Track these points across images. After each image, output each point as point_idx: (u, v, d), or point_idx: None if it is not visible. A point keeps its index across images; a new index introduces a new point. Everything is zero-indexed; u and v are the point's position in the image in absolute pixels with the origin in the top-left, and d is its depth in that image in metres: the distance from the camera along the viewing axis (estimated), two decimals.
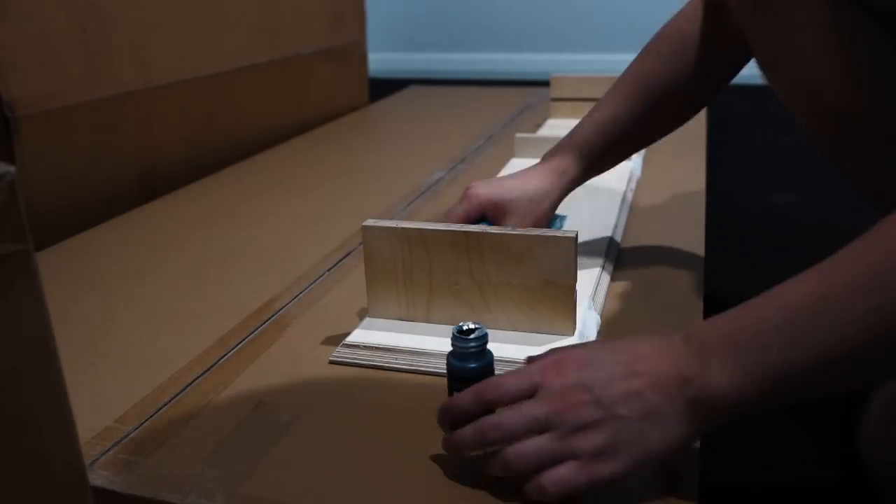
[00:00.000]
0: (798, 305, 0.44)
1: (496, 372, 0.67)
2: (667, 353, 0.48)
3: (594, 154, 0.82)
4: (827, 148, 0.65)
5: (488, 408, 0.51)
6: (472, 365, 0.58)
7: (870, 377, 0.47)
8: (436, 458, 0.57)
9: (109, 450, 0.59)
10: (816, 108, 0.62)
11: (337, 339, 0.74)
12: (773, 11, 0.61)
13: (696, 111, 0.84)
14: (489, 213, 0.81)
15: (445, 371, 0.68)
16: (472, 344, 0.58)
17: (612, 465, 0.47)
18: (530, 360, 0.54)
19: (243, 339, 0.76)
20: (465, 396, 0.52)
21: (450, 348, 0.70)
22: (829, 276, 0.44)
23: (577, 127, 0.84)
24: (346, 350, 0.71)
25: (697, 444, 0.57)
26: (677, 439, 0.47)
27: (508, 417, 0.49)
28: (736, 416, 0.46)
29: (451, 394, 0.59)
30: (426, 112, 1.90)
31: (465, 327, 0.59)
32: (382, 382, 0.67)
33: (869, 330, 0.42)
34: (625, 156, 0.86)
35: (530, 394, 0.50)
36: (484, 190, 0.81)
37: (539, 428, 0.48)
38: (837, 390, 0.45)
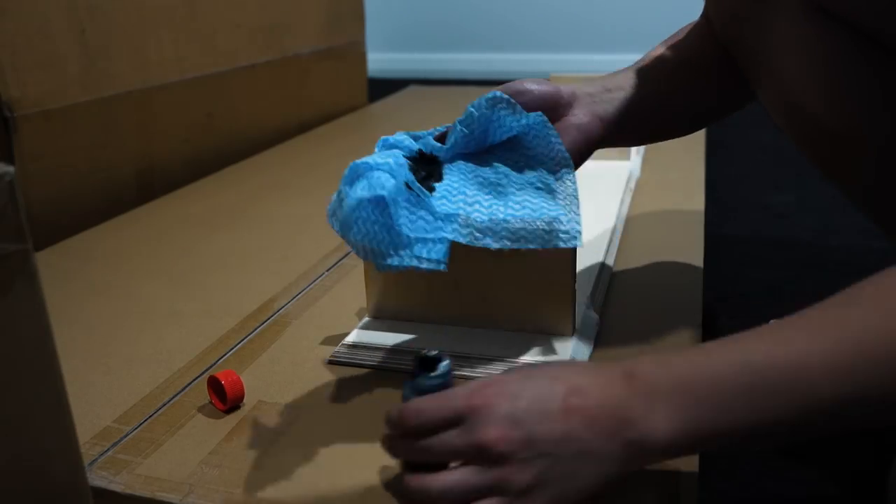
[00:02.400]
0: (769, 374, 0.42)
1: (492, 374, 0.67)
2: (607, 389, 0.45)
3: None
4: (817, 162, 0.65)
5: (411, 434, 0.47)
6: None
7: (814, 435, 0.46)
8: None
9: (108, 450, 0.59)
10: (803, 125, 0.62)
11: (336, 339, 0.74)
12: (754, 29, 0.61)
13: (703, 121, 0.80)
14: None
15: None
16: (437, 381, 0.49)
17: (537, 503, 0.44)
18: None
19: (243, 339, 0.76)
20: (390, 419, 0.48)
21: (448, 348, 0.70)
22: (808, 347, 0.42)
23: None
24: (346, 350, 0.71)
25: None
26: (607, 477, 0.44)
27: (432, 446, 0.46)
28: (665, 459, 0.45)
29: None
30: (425, 112, 1.90)
31: (428, 354, 0.50)
32: (382, 382, 0.67)
33: (834, 415, 0.42)
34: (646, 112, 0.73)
35: (455, 422, 0.46)
36: (536, 86, 0.67)
37: (463, 460, 0.45)
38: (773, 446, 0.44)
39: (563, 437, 0.44)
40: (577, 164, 0.68)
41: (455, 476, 0.45)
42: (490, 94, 0.62)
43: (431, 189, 0.62)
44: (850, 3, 0.54)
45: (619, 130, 0.70)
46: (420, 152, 0.63)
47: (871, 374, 0.40)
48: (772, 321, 0.44)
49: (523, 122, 0.63)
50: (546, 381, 0.46)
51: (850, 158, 0.60)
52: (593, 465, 0.44)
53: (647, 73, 0.73)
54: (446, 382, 0.49)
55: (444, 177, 0.64)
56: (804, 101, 0.59)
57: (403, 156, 0.61)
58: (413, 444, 0.46)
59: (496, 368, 0.67)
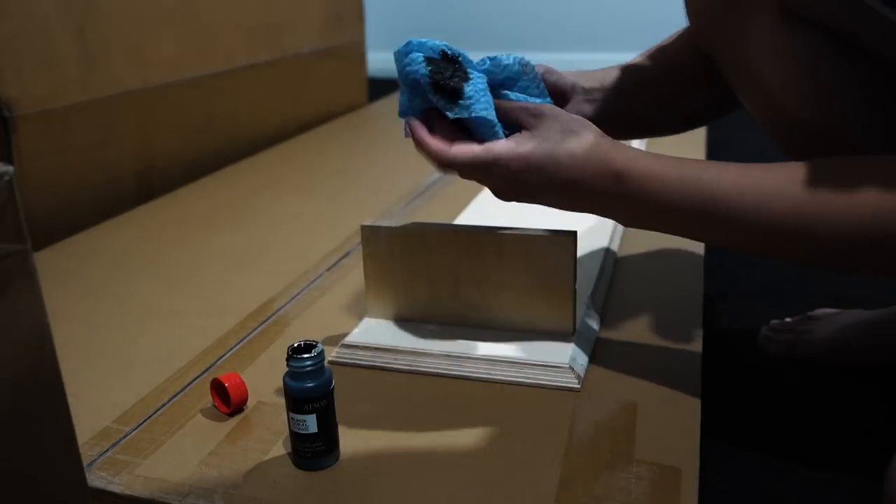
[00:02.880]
0: (717, 196, 0.58)
1: (492, 374, 0.67)
2: (597, 180, 0.59)
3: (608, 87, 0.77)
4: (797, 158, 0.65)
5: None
6: (309, 384, 0.55)
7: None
8: (435, 458, 0.57)
9: (108, 450, 0.59)
10: (787, 128, 0.63)
11: (336, 340, 0.73)
12: (732, 37, 0.62)
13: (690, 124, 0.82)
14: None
15: (442, 372, 0.68)
16: (308, 363, 0.55)
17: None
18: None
19: (243, 339, 0.76)
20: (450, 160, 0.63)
21: (448, 348, 0.70)
22: (749, 188, 0.57)
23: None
24: (345, 350, 0.71)
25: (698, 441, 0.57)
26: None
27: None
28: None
29: (288, 413, 0.56)
30: None
31: (300, 342, 0.56)
32: (381, 382, 0.67)
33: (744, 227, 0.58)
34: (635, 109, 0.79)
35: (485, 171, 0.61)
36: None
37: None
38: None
39: (555, 192, 0.60)
40: None
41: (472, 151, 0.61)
42: (523, 59, 0.66)
43: (459, 90, 0.63)
44: (822, 8, 0.54)
45: (608, 126, 0.73)
46: (443, 52, 0.64)
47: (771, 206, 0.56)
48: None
49: (532, 100, 0.66)
50: (553, 176, 0.59)
51: (826, 152, 0.61)
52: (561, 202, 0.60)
53: (639, 75, 0.76)
54: (320, 366, 0.55)
55: (471, 77, 0.64)
56: (786, 104, 0.60)
57: (425, 56, 0.63)
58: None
59: (496, 368, 0.67)
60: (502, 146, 0.60)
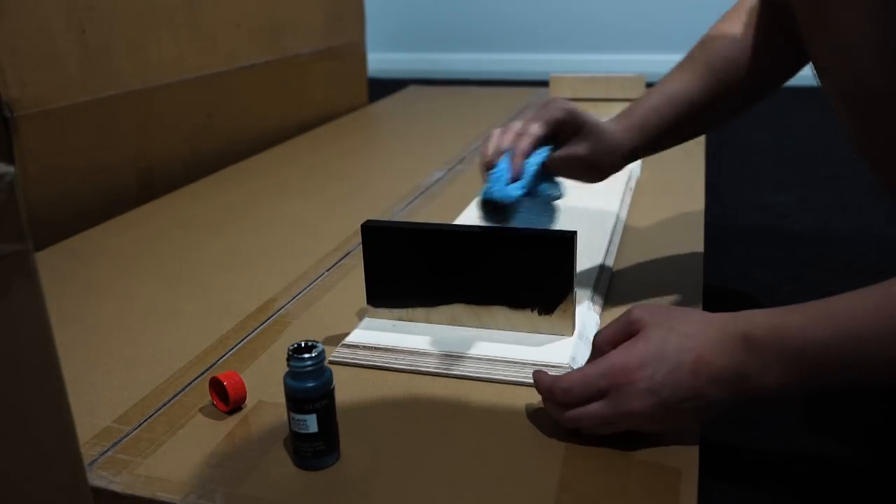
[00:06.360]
0: (864, 339, 0.50)
1: (492, 374, 0.67)
2: (728, 353, 0.53)
3: (654, 132, 0.79)
4: (855, 126, 0.64)
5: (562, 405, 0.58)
6: (310, 384, 0.55)
7: None
8: (435, 458, 0.57)
9: (109, 450, 0.59)
10: (851, 80, 0.61)
11: (336, 339, 0.74)
12: None
13: (764, 94, 0.82)
14: (565, 130, 0.73)
15: (443, 372, 0.68)
16: (309, 363, 0.55)
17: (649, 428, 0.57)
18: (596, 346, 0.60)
19: (243, 340, 0.76)
20: (543, 391, 0.59)
21: (448, 348, 0.70)
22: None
23: (643, 100, 0.79)
24: (346, 350, 0.71)
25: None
26: (710, 416, 0.55)
27: (582, 418, 0.57)
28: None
29: (288, 413, 0.56)
30: (425, 112, 1.90)
31: (301, 343, 0.56)
32: (382, 382, 0.67)
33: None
34: (686, 136, 0.83)
35: (599, 396, 0.56)
36: (567, 105, 0.73)
37: (608, 421, 0.56)
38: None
39: (690, 395, 0.54)
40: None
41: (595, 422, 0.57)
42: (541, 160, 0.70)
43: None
44: None
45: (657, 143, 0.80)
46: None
47: None
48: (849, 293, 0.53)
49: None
50: (675, 353, 0.54)
51: (890, 120, 0.59)
52: (705, 408, 0.54)
53: (684, 109, 0.78)
54: (320, 366, 0.55)
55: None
56: (857, 55, 0.58)
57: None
58: (565, 414, 0.57)
59: (496, 368, 0.67)
60: (616, 354, 0.56)
